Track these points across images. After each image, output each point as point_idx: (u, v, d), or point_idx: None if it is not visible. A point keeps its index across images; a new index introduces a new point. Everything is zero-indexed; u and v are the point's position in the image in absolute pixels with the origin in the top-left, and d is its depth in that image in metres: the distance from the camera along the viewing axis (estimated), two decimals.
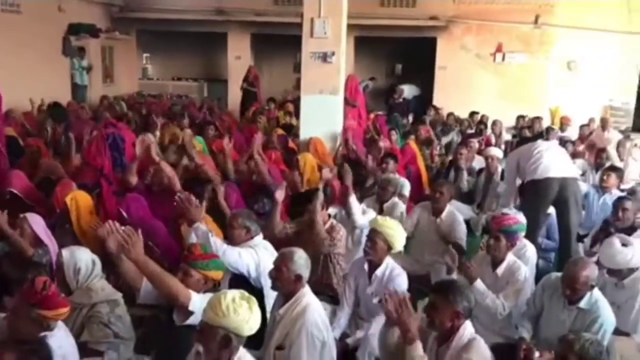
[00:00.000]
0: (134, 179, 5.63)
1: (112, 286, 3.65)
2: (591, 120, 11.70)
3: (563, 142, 8.89)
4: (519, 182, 5.92)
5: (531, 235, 4.87)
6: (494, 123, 11.10)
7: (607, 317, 3.61)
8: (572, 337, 2.82)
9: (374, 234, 4.07)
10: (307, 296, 3.39)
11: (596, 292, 3.69)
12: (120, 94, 14.08)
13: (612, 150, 8.86)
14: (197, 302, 3.09)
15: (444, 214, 5.46)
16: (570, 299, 3.69)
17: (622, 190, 7.00)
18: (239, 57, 15.46)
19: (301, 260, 3.40)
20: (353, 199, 5.03)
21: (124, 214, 4.73)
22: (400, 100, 14.12)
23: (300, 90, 8.21)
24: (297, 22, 8.11)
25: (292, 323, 3.30)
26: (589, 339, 2.80)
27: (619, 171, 6.87)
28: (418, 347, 2.76)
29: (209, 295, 2.92)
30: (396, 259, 5.09)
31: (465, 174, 7.84)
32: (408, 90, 14.90)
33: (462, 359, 2.92)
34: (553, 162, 5.59)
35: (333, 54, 7.89)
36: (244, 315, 2.51)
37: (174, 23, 14.87)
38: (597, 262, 4.01)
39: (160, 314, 3.51)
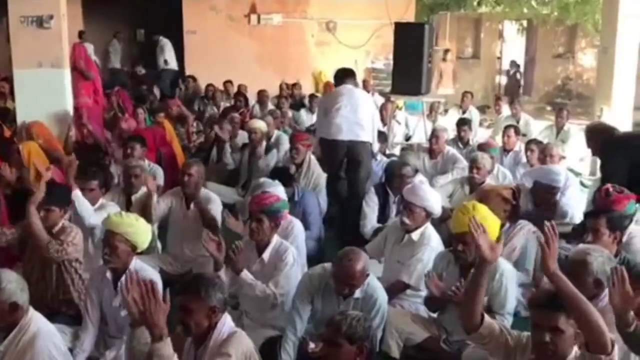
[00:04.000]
0: None
1: None
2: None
3: None
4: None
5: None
6: (259, 93, 11.39)
7: (383, 296, 3.92)
8: (338, 318, 2.99)
9: (110, 236, 3.86)
10: (33, 323, 3.20)
11: (370, 278, 3.92)
12: None
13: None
14: None
15: (197, 198, 5.42)
16: (346, 295, 3.87)
17: (388, 156, 7.74)
18: None
19: (10, 285, 3.15)
20: (77, 195, 4.84)
21: None
22: (144, 71, 13.69)
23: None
24: None
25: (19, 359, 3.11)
26: (356, 317, 3.00)
27: (382, 135, 7.53)
28: (167, 344, 2.69)
29: None
30: (152, 259, 4.98)
31: (229, 150, 7.94)
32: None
33: (220, 355, 2.96)
34: (346, 123, 6.22)
35: (51, 17, 7.39)
36: None
37: None
38: None
39: None
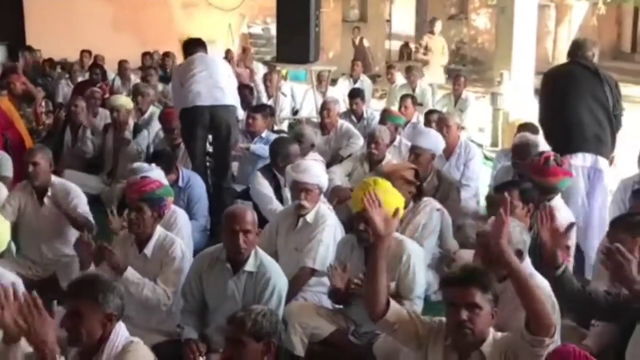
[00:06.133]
0: None
1: None
2: (228, 52, 12.58)
3: None
4: None
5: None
6: (120, 64, 11.11)
7: (279, 278, 3.99)
8: (241, 314, 3.02)
9: None
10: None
11: (263, 254, 4.04)
12: None
13: (259, 85, 9.76)
14: None
15: (49, 191, 5.24)
16: (236, 269, 3.95)
17: (277, 132, 7.80)
18: None
19: None
20: None
21: None
22: None
23: None
24: None
25: None
26: (261, 311, 3.04)
27: (265, 110, 7.58)
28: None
29: None
30: (8, 263, 4.79)
31: (89, 133, 7.74)
32: None
33: None
34: (205, 87, 6.35)
35: None
36: None
37: None
38: None
39: None
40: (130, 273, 4.02)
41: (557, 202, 4.84)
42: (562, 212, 4.77)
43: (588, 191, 5.45)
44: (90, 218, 5.19)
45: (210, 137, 6.61)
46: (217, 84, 6.46)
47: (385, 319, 3.08)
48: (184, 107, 6.46)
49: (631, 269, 2.97)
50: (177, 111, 6.62)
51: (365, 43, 15.29)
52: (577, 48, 5.75)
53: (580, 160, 5.41)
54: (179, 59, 13.34)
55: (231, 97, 6.59)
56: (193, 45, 6.74)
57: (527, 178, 4.92)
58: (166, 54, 12.08)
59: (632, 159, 5.72)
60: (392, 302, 3.13)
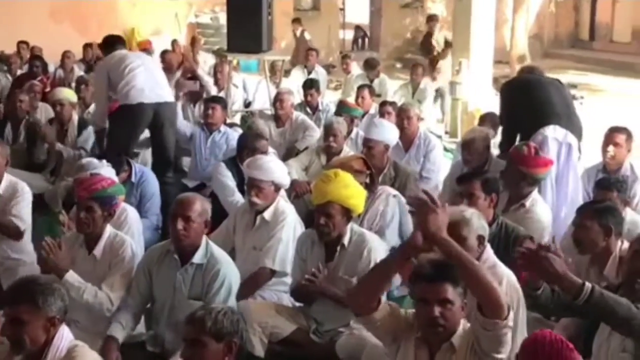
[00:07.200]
0: None
1: None
2: (175, 42, 12.48)
3: None
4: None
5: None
6: (63, 55, 10.98)
7: (230, 271, 4.01)
8: (200, 313, 3.00)
9: None
10: None
11: (213, 245, 4.06)
12: None
13: (207, 76, 9.70)
14: None
15: (1, 188, 5.17)
16: (184, 258, 3.97)
17: (230, 125, 7.77)
18: None
19: None
20: None
21: None
22: None
23: None
24: None
25: None
26: (221, 310, 3.03)
27: (221, 102, 7.55)
28: None
29: None
30: None
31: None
32: None
33: None
34: (147, 84, 6.40)
35: None
36: None
37: None
38: None
39: None
40: (71, 276, 3.97)
41: (535, 196, 4.97)
42: (538, 208, 4.90)
43: (558, 173, 5.56)
44: (22, 223, 5.09)
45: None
46: (157, 80, 6.56)
47: (373, 315, 3.08)
48: (125, 104, 6.43)
49: (554, 266, 3.00)
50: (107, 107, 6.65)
51: (307, 36, 15.14)
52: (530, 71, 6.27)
53: (551, 131, 5.53)
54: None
55: (170, 94, 6.73)
56: (114, 42, 6.79)
57: (512, 170, 5.03)
58: (87, 45, 11.94)
59: (594, 148, 5.86)
60: (383, 300, 3.15)
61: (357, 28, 19.35)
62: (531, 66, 7.29)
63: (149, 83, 6.46)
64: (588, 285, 2.98)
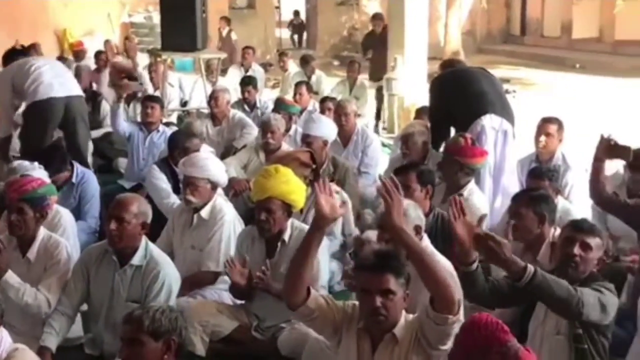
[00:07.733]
0: None
1: None
2: (107, 42, 12.29)
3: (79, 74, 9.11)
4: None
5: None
6: None
7: (170, 272, 3.99)
8: (138, 312, 2.98)
9: None
10: None
11: (153, 247, 4.03)
12: None
13: (145, 74, 9.61)
14: None
15: None
16: (122, 260, 3.93)
17: (166, 124, 7.72)
18: None
19: None
20: None
21: None
22: None
23: None
24: None
25: None
26: (159, 308, 3.01)
27: (159, 101, 7.49)
28: None
29: None
30: None
31: None
32: None
33: None
34: (55, 80, 6.46)
35: None
36: None
37: None
38: None
39: None
40: (10, 276, 3.91)
41: (472, 186, 5.06)
42: (475, 197, 4.98)
43: (495, 162, 5.64)
44: None
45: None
46: (65, 76, 6.67)
47: (305, 305, 3.09)
48: (34, 101, 6.40)
49: (503, 252, 3.07)
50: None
51: (234, 36, 14.91)
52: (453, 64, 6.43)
53: (488, 120, 5.61)
54: (50, 50, 13.11)
55: (79, 88, 6.85)
56: (13, 55, 7.02)
57: (448, 160, 5.11)
58: (29, 47, 11.63)
59: (527, 140, 5.99)
60: (312, 290, 3.16)
61: (295, 13, 19.27)
62: (452, 59, 7.42)
63: (58, 78, 6.51)
64: (530, 267, 3.06)
